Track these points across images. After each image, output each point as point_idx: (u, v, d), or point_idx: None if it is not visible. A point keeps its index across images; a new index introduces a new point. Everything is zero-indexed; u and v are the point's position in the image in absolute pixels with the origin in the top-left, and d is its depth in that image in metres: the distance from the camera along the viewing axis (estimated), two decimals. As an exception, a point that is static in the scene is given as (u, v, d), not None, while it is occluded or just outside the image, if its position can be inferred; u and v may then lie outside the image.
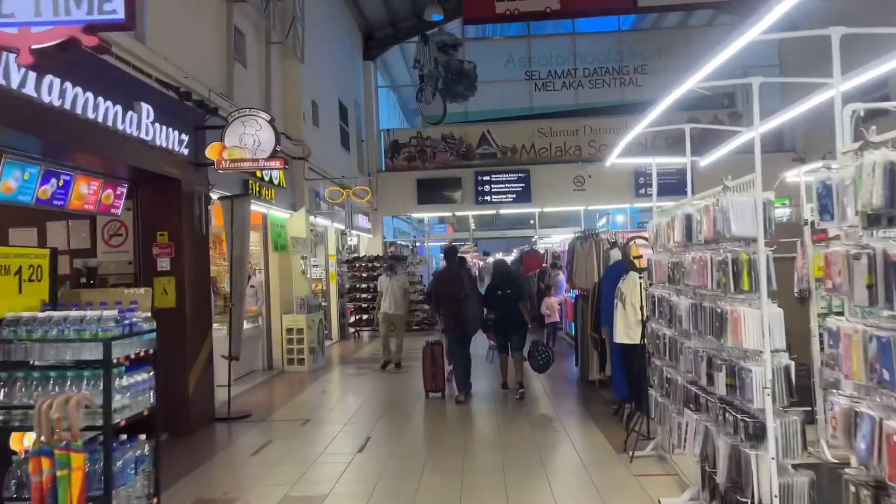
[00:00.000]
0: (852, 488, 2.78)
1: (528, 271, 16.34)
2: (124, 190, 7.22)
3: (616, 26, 22.72)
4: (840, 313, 3.29)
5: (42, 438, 3.18)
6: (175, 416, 7.37)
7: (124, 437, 3.46)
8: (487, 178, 20.60)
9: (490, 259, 22.67)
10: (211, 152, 7.76)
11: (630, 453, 5.98)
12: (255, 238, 12.21)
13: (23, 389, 3.40)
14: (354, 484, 5.67)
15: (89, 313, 3.42)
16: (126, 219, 7.64)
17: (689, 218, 4.60)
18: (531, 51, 22.45)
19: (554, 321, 12.28)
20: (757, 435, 3.70)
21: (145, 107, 6.51)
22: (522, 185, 20.55)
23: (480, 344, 11.38)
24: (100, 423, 3.32)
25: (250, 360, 11.37)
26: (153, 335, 3.79)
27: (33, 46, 3.42)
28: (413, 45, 21.66)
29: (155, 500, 3.82)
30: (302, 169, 12.66)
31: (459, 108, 21.90)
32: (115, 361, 3.32)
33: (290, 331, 11.67)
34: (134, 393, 3.52)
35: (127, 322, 3.51)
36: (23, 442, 3.43)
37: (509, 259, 20.47)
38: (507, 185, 20.64)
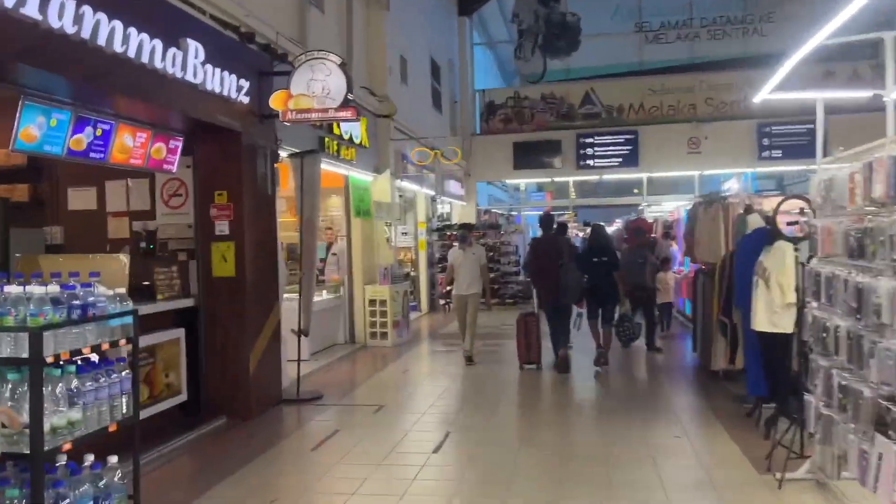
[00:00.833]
0: None
1: (634, 242, 14.81)
2: (178, 144, 6.41)
3: (739, -32, 20.33)
4: None
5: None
6: (234, 398, 6.61)
7: (90, 459, 2.52)
8: (590, 140, 18.98)
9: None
10: (275, 102, 6.82)
11: (778, 476, 4.63)
12: (336, 202, 11.39)
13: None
14: (424, 499, 4.63)
15: (13, 289, 2.47)
16: (185, 177, 6.87)
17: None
18: (641, 0, 20.44)
19: (668, 300, 10.79)
20: None
21: (193, 44, 5.60)
22: (629, 147, 18.79)
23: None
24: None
25: (331, 332, 10.62)
26: (129, 320, 2.83)
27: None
28: (511, -3, 20.20)
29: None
30: (387, 128, 11.67)
31: (561, 66, 20.30)
32: (50, 359, 2.37)
33: (372, 302, 10.82)
34: (90, 403, 2.57)
35: (77, 304, 2.56)
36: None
37: (611, 229, 18.88)
38: (612, 147, 18.94)
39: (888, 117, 4.42)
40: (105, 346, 2.71)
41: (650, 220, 17.37)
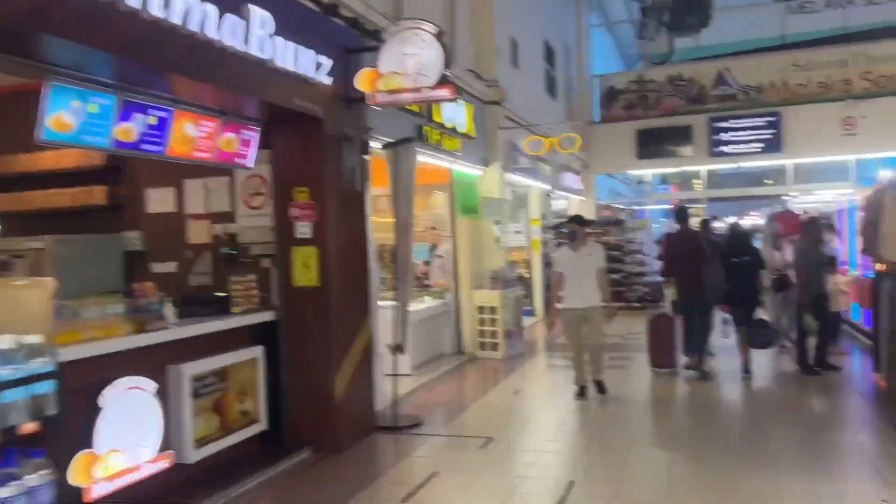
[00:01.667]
0: None
1: (811, 236, 12.73)
2: (254, 134, 5.57)
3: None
4: None
5: None
6: (320, 426, 5.71)
7: None
8: (725, 124, 17.00)
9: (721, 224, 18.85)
10: (362, 82, 5.84)
11: None
12: (440, 199, 10.39)
13: None
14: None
15: None
16: (265, 173, 6.04)
17: None
18: (783, -35, 18.16)
19: (838, 309, 8.93)
20: None
21: (258, 13, 4.71)
22: (772, 131, 16.65)
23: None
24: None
25: (436, 342, 9.63)
26: (43, 388, 1.82)
27: None
28: (632, -28, 18.50)
29: None
30: (496, 116, 10.53)
31: (690, 44, 18.37)
32: None
33: (481, 310, 9.72)
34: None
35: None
36: None
37: (753, 223, 16.81)
38: (750, 132, 16.86)
39: None
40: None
41: (799, 213, 15.29)
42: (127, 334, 4.25)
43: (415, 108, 7.71)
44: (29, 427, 2.52)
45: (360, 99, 5.96)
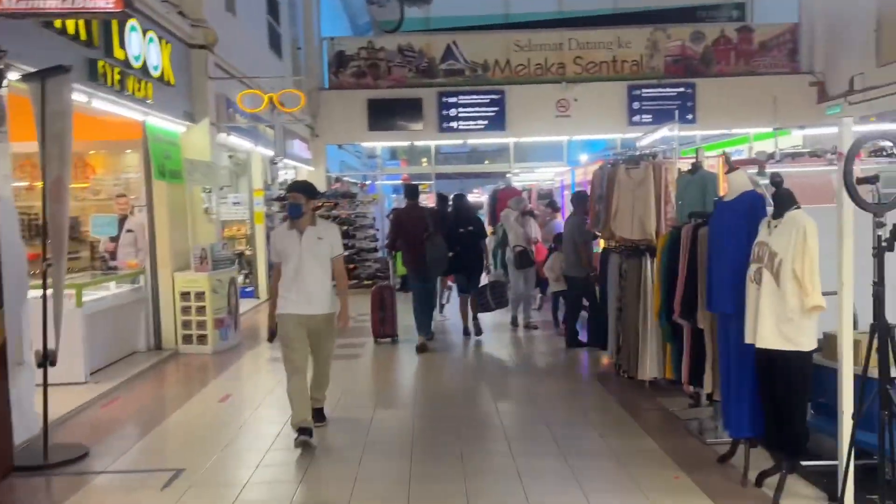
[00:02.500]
0: None
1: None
2: None
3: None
4: None
5: None
6: None
7: None
8: (454, 99, 16.91)
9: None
10: (-26, -25, 3.99)
11: None
12: (131, 160, 8.47)
13: None
14: None
15: None
16: None
17: None
18: (507, -55, 18.59)
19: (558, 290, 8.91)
20: None
21: None
22: (496, 108, 16.95)
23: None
24: None
25: (125, 338, 7.79)
26: None
27: None
28: (363, -69, 17.54)
29: None
30: (204, 63, 8.82)
31: (420, 14, 18.00)
32: None
33: (185, 295, 8.07)
34: None
35: None
36: None
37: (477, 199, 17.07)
38: (477, 108, 17.00)
39: None
40: None
41: (520, 189, 15.76)
42: None
43: (80, 30, 5.86)
44: None
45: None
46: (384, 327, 8.50)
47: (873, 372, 3.19)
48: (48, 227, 4.77)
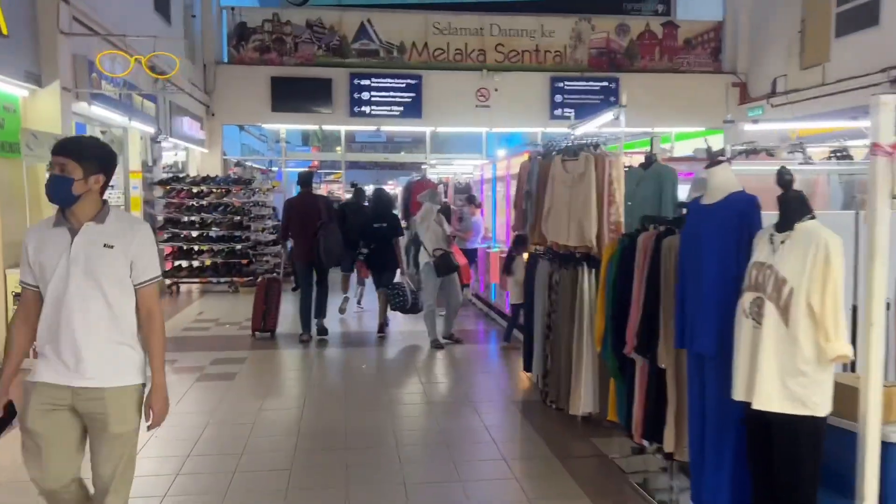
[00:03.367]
0: None
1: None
2: None
3: None
4: None
5: None
6: None
7: None
8: (367, 82, 15.64)
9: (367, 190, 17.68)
10: None
11: None
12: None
13: None
14: None
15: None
16: None
17: None
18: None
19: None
20: None
21: None
22: (412, 94, 15.78)
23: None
24: None
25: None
26: None
27: None
28: None
29: None
30: (55, 13, 7.20)
31: (332, -13, 16.59)
32: None
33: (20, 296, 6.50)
34: None
35: None
36: None
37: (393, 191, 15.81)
38: (392, 93, 15.78)
39: None
40: None
41: (435, 182, 14.65)
42: None
43: None
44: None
45: None
46: (266, 321, 8.15)
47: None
48: None
